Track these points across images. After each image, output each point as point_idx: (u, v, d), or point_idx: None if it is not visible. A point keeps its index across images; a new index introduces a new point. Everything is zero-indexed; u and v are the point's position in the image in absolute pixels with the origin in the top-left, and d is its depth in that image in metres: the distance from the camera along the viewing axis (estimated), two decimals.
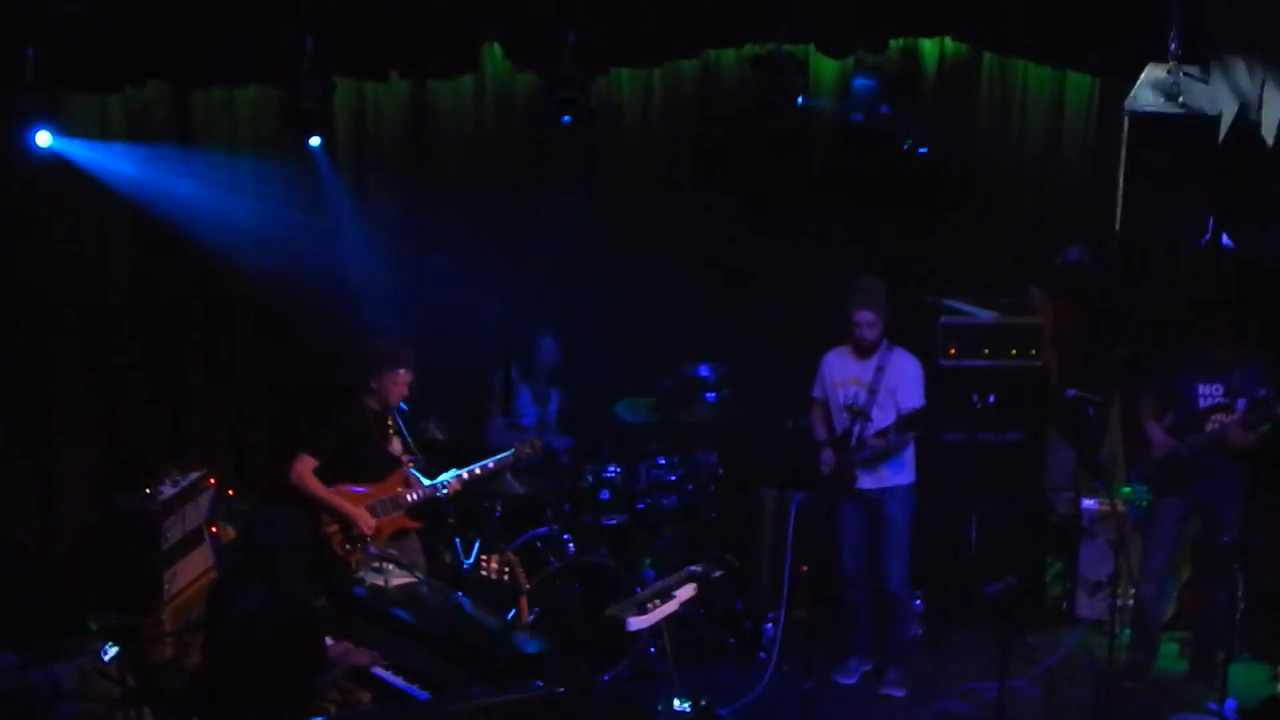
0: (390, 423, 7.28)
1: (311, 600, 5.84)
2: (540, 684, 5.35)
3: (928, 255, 9.02)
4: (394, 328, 8.02)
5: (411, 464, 7.28)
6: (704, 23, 8.09)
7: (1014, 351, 8.53)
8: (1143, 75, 5.03)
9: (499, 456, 7.55)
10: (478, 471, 7.45)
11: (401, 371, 7.17)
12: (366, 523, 7.03)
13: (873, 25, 8.28)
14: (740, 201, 8.97)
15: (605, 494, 8.22)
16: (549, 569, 7.54)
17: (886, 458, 7.53)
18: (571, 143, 8.71)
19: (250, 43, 7.55)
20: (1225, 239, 5.45)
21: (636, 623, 5.84)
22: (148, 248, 8.34)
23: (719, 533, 8.34)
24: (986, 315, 8.61)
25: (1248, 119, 4.67)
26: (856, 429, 7.46)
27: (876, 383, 7.53)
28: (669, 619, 6.04)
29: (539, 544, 7.74)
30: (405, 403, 7.30)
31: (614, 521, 8.13)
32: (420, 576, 6.39)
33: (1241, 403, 7.48)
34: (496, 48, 8.45)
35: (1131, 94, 4.97)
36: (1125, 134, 5.00)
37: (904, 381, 7.56)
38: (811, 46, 8.59)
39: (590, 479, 8.23)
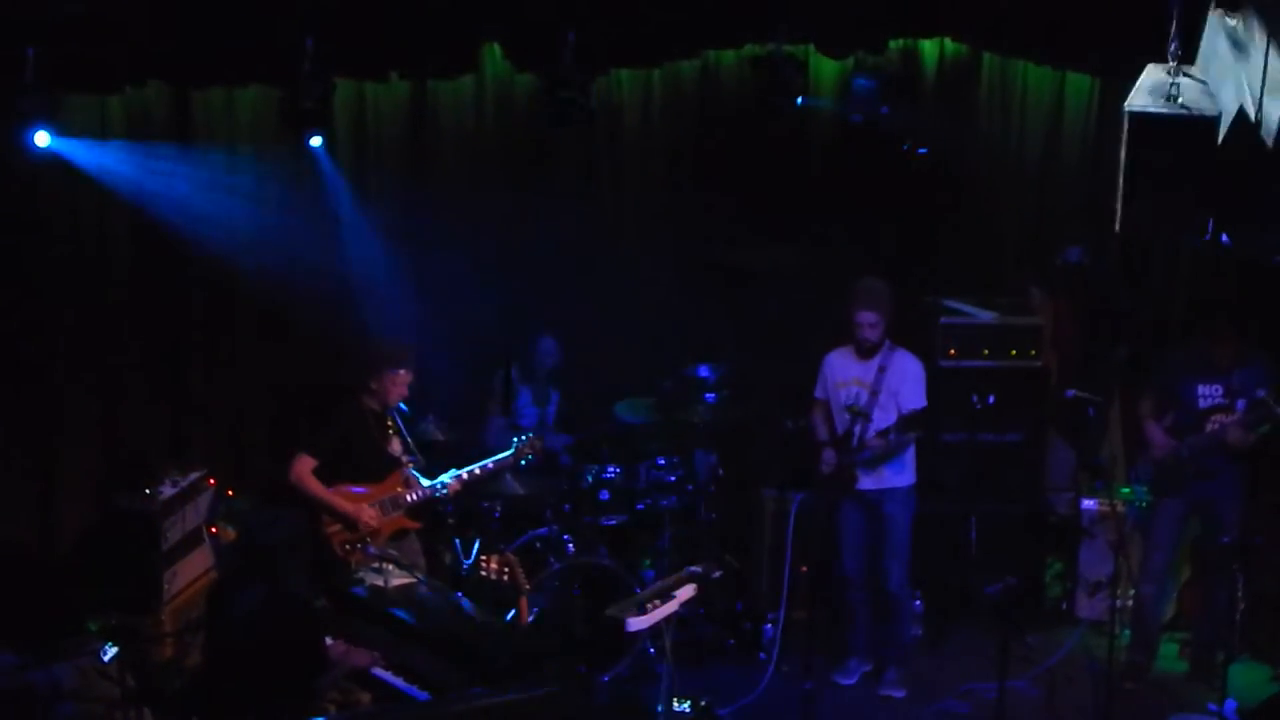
0: (390, 423, 7.29)
1: (311, 600, 5.84)
2: (540, 684, 5.36)
3: (928, 255, 9.03)
4: (394, 328, 8.02)
5: (411, 464, 7.28)
6: (704, 23, 8.09)
7: (1014, 352, 8.53)
8: (1142, 76, 5.02)
9: (499, 457, 7.56)
10: (477, 472, 7.45)
11: (401, 372, 7.17)
12: (369, 515, 7.03)
13: (872, 25, 8.28)
14: (740, 202, 8.97)
15: (605, 494, 8.23)
16: (549, 569, 7.54)
17: (888, 458, 7.53)
18: (571, 143, 8.71)
19: (250, 43, 7.55)
20: (1225, 239, 5.44)
21: (636, 623, 5.82)
22: (147, 248, 8.34)
23: (719, 533, 8.34)
24: (986, 316, 8.61)
25: (1248, 119, 4.67)
26: (857, 429, 7.46)
27: (878, 384, 7.53)
28: (669, 619, 6.03)
29: (539, 544, 7.74)
30: (405, 403, 7.30)
31: (614, 522, 8.13)
32: (420, 577, 6.39)
33: (1241, 403, 7.48)
34: (496, 48, 8.45)
35: (1131, 95, 4.96)
36: (1125, 134, 4.98)
37: (906, 382, 7.55)
38: (811, 47, 8.59)
39: (590, 479, 8.23)
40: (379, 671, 5.79)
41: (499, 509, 7.88)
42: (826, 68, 8.89)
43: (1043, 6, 7.75)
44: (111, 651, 6.06)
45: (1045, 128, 9.06)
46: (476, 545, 7.72)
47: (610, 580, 7.58)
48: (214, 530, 8.10)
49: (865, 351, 7.60)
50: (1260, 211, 5.27)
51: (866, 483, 7.57)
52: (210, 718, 5.61)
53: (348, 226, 8.63)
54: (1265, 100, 4.60)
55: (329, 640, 5.67)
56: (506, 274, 8.61)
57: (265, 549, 5.43)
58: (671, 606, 5.92)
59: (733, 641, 8.12)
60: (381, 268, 8.60)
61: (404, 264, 8.58)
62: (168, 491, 7.80)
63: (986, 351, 8.49)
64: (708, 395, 8.42)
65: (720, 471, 8.47)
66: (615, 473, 8.28)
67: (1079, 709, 7.35)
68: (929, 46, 8.96)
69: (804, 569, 7.64)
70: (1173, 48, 4.96)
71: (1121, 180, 5.00)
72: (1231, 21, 4.89)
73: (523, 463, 7.67)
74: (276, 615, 5.34)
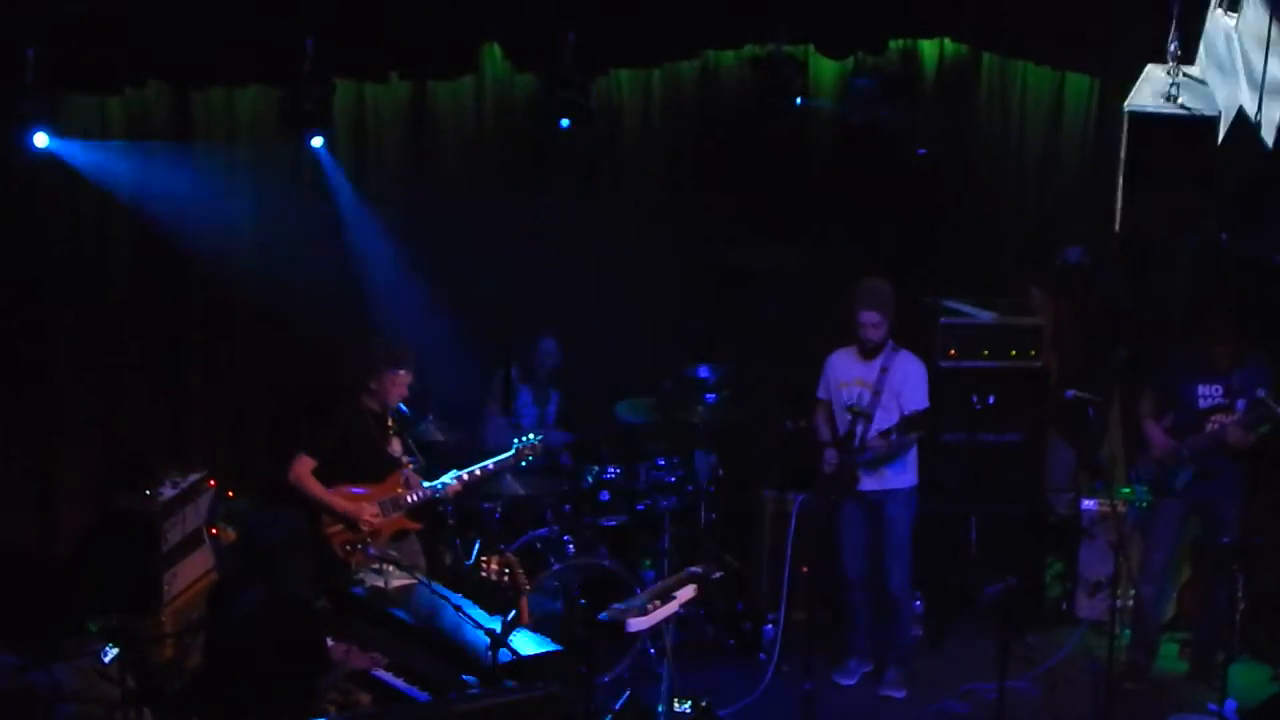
0: (390, 423, 7.28)
1: (312, 601, 5.83)
2: (540, 684, 5.35)
3: (928, 255, 9.03)
4: (394, 328, 8.02)
5: (411, 465, 7.28)
6: (703, 24, 8.10)
7: (1014, 352, 8.53)
8: (1142, 76, 5.02)
9: (499, 457, 7.55)
10: (477, 472, 7.44)
11: (401, 372, 7.16)
12: (370, 512, 7.02)
13: (872, 26, 8.30)
14: (740, 202, 8.97)
15: (605, 495, 8.22)
16: (549, 570, 7.53)
17: (889, 459, 7.52)
18: (571, 143, 8.71)
19: (250, 43, 7.55)
20: (1225, 239, 5.44)
21: (636, 624, 5.82)
22: (147, 248, 8.33)
23: (719, 534, 8.34)
24: (986, 316, 8.60)
25: (1248, 119, 4.66)
26: (859, 430, 7.45)
27: (881, 384, 7.53)
28: (669, 620, 6.03)
29: (539, 545, 7.74)
30: (405, 403, 7.29)
31: (614, 522, 8.12)
32: (420, 577, 6.39)
33: (1241, 403, 7.48)
34: (496, 48, 8.46)
35: (1131, 95, 4.96)
36: (1125, 134, 4.98)
37: (908, 383, 7.55)
38: (811, 47, 8.60)
39: (590, 480, 8.23)
40: (379, 672, 5.79)
41: (499, 509, 7.89)
42: (826, 68, 8.90)
43: (1043, 6, 7.75)
44: (112, 652, 6.07)
45: (1045, 128, 9.06)
46: (477, 546, 7.72)
47: (610, 581, 7.57)
48: (214, 531, 8.10)
49: (868, 352, 7.59)
50: (1260, 211, 5.26)
51: (868, 483, 7.56)
52: (210, 719, 5.60)
53: (348, 227, 8.63)
54: (1265, 100, 4.59)
55: (330, 642, 5.67)
56: (506, 274, 8.61)
57: (265, 550, 5.42)
58: (672, 607, 5.91)
59: (733, 642, 8.12)
60: (381, 268, 8.60)
61: (404, 264, 8.58)
62: (168, 492, 7.80)
63: (986, 352, 8.48)
64: (708, 395, 8.41)
65: (720, 472, 8.46)
66: (615, 473, 8.28)
67: (1079, 709, 7.35)
68: (929, 47, 8.96)
69: (804, 569, 7.63)
70: (1173, 48, 4.96)
71: (1121, 180, 4.98)
72: (1231, 21, 4.88)
73: (523, 464, 7.67)
74: (277, 616, 5.34)
